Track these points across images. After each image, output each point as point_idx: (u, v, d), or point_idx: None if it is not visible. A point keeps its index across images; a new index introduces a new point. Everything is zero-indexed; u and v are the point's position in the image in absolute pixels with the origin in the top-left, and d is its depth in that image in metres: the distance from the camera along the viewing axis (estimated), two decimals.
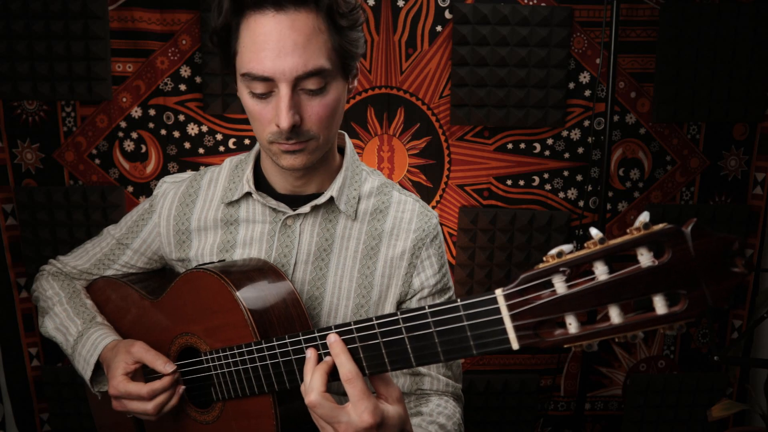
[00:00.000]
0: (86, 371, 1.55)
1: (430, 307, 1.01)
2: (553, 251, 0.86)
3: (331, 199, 1.49)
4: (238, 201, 1.55)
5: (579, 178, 2.82)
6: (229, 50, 1.33)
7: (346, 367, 1.10)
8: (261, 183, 1.54)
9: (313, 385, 1.11)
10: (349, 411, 1.09)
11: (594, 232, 0.83)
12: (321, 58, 1.28)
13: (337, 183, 1.50)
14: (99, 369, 1.56)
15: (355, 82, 1.46)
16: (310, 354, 1.16)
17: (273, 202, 1.50)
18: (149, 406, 1.40)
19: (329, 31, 1.29)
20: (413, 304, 1.56)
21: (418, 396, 1.56)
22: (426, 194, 2.80)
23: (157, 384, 1.40)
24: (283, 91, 1.27)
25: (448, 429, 1.45)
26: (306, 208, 1.49)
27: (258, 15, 1.25)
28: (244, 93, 1.33)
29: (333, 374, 1.14)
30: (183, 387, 1.43)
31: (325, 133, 1.37)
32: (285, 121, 1.27)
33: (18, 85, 2.59)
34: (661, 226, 0.80)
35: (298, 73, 1.26)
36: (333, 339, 1.13)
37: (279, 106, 1.28)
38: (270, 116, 1.31)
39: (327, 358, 1.14)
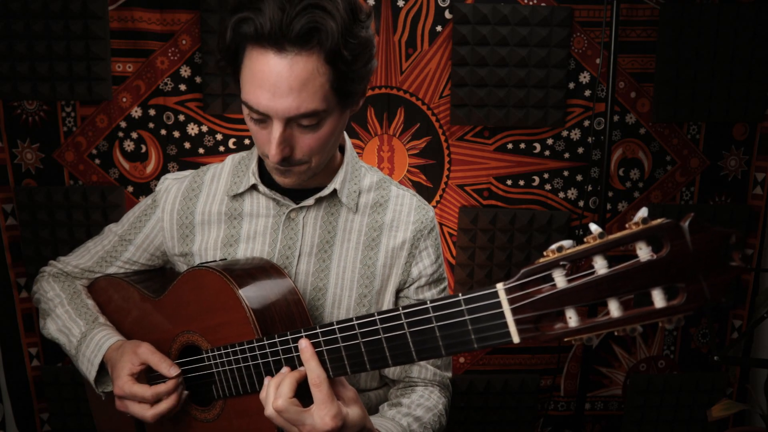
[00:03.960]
0: (90, 372, 1.55)
1: (431, 301, 1.03)
2: (554, 246, 0.87)
3: (334, 191, 1.53)
4: (242, 194, 1.57)
5: (579, 178, 2.82)
6: (236, 68, 1.34)
7: (315, 372, 1.17)
8: (264, 178, 1.56)
9: (282, 392, 1.18)
10: (313, 414, 1.16)
11: (594, 227, 0.84)
12: (315, 101, 1.29)
13: (340, 177, 1.54)
14: (102, 370, 1.56)
15: (362, 102, 1.48)
16: (285, 370, 1.23)
17: (278, 195, 1.53)
18: (149, 412, 1.42)
19: (330, 72, 1.29)
20: (411, 292, 1.60)
21: (405, 384, 1.61)
22: (426, 194, 2.80)
23: (161, 387, 1.42)
24: (275, 126, 1.30)
25: (424, 421, 1.48)
26: (310, 201, 1.52)
27: (259, 50, 1.26)
28: (245, 112, 1.36)
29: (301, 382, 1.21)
30: (186, 392, 1.45)
31: (317, 159, 1.41)
32: (275, 156, 1.33)
33: (18, 85, 2.59)
34: (659, 220, 0.81)
35: (290, 115, 1.28)
36: (304, 345, 1.19)
37: (270, 139, 1.32)
38: (263, 139, 1.35)
39: (301, 368, 1.21)
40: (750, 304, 2.90)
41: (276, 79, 1.25)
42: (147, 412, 1.42)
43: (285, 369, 1.23)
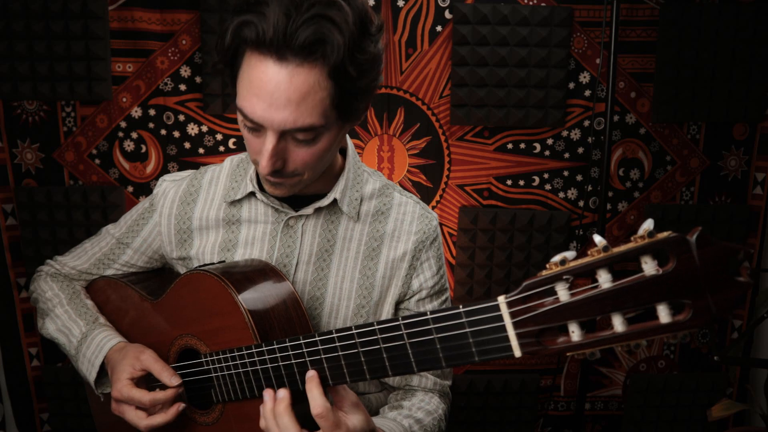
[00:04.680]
0: (91, 373, 1.54)
1: (432, 313, 1.01)
2: (556, 258, 0.86)
3: (334, 200, 1.50)
4: (240, 200, 1.55)
5: (579, 178, 2.82)
6: (234, 71, 1.28)
7: (317, 402, 1.16)
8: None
9: (287, 427, 1.19)
10: None
11: (597, 239, 0.83)
12: (314, 116, 1.23)
13: (341, 185, 1.50)
14: (102, 371, 1.56)
15: (364, 117, 1.45)
16: (313, 374, 1.20)
17: (276, 203, 1.50)
18: (144, 422, 1.41)
19: (332, 88, 1.23)
20: (411, 304, 1.58)
21: (406, 390, 1.60)
22: (426, 194, 2.80)
23: (159, 394, 1.40)
24: (269, 138, 1.25)
25: (425, 423, 1.47)
26: (309, 210, 1.49)
27: (258, 56, 1.20)
28: (239, 117, 1.30)
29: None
30: (182, 405, 1.44)
31: (311, 172, 1.36)
32: (266, 168, 1.28)
33: (18, 85, 2.59)
34: (665, 234, 0.79)
35: (286, 128, 1.23)
36: (311, 374, 1.19)
37: (262, 150, 1.27)
38: (257, 148, 1.30)
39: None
40: (750, 304, 2.90)
41: (274, 89, 1.19)
42: (142, 421, 1.41)
43: (282, 392, 1.22)
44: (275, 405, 1.20)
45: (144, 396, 1.40)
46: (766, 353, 2.93)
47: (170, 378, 1.41)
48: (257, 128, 1.27)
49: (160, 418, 1.41)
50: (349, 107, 1.29)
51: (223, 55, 1.25)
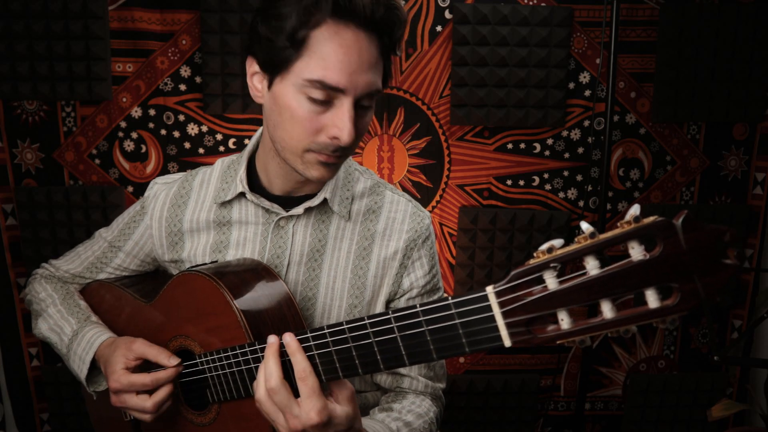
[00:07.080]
0: (82, 370, 1.54)
1: (421, 305, 1.01)
2: (544, 246, 0.86)
3: (325, 200, 1.49)
4: (230, 202, 1.54)
5: (579, 178, 2.82)
6: (300, 47, 1.26)
7: (301, 366, 1.14)
8: (254, 184, 1.53)
9: (272, 372, 1.16)
10: (300, 405, 1.14)
11: (585, 226, 0.83)
12: (380, 80, 1.32)
13: (331, 184, 1.50)
14: (95, 369, 1.56)
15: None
16: (273, 339, 1.19)
17: (266, 203, 1.50)
18: (149, 402, 1.40)
19: (384, 58, 1.33)
20: (401, 303, 1.57)
21: (397, 393, 1.58)
22: (426, 194, 2.80)
23: (161, 374, 1.40)
24: (348, 105, 1.27)
25: (414, 427, 1.45)
26: (299, 210, 1.49)
27: (341, 25, 1.24)
28: (296, 97, 1.28)
29: (287, 373, 1.18)
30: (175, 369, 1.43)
31: (354, 148, 1.38)
32: (349, 135, 1.28)
33: (18, 85, 2.59)
34: (651, 219, 0.79)
35: (367, 91, 1.29)
36: (288, 339, 1.17)
37: (342, 119, 1.28)
38: (320, 126, 1.29)
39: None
40: (750, 304, 2.90)
41: (359, 53, 1.25)
42: (147, 403, 1.40)
43: (272, 337, 1.20)
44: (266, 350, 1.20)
45: (145, 378, 1.39)
46: (766, 353, 2.93)
47: (168, 359, 1.41)
48: (328, 100, 1.28)
49: (163, 392, 1.41)
50: (386, 83, 1.38)
51: (292, 33, 1.25)
